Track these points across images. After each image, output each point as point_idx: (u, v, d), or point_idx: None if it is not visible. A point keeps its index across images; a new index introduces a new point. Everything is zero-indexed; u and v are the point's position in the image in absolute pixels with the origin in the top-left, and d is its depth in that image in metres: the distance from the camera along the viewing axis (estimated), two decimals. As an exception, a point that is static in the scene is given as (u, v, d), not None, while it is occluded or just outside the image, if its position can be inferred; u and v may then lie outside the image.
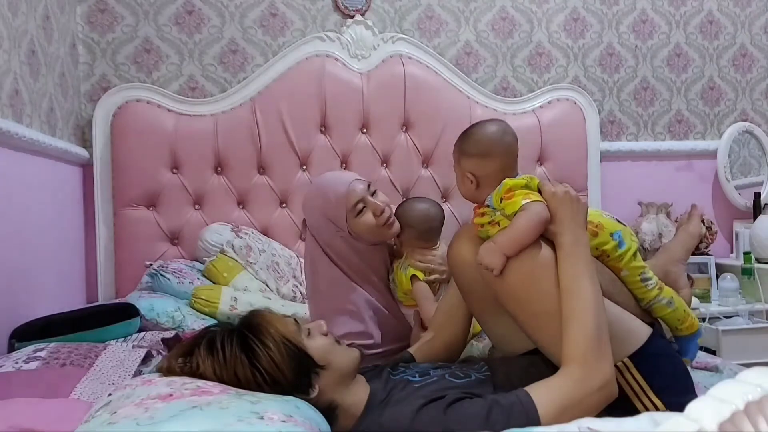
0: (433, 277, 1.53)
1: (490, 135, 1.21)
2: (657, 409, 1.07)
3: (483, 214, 1.18)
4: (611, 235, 1.22)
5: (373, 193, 1.50)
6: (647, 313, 1.26)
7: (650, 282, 1.24)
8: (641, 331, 1.14)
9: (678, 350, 1.29)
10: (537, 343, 1.13)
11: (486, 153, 1.19)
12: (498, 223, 1.13)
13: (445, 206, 2.48)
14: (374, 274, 1.54)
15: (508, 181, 1.14)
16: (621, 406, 1.04)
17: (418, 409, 0.98)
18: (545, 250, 1.09)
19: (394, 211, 1.53)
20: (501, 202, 1.13)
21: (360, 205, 1.46)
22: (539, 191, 1.13)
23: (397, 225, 1.51)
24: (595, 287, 1.06)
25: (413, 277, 1.50)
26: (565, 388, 0.99)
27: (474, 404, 0.99)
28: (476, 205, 1.22)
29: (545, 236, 1.10)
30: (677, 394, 1.10)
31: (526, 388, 1.00)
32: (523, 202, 1.09)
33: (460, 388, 1.06)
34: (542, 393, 0.98)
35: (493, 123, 1.24)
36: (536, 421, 0.95)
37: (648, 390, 1.08)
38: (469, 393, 1.03)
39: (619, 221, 1.29)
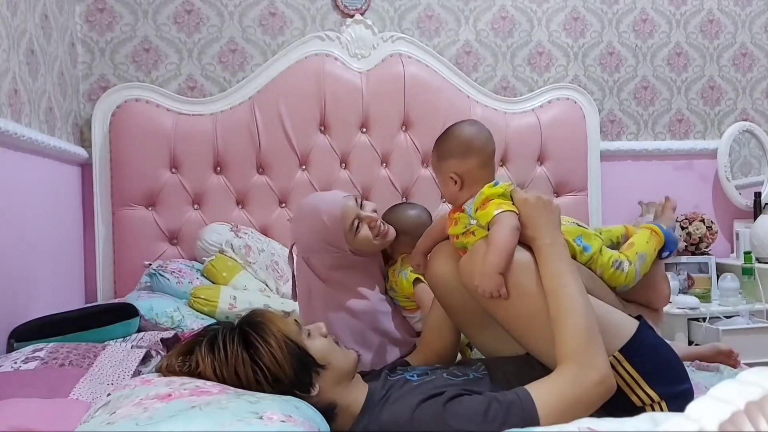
0: None
1: (466, 133, 1.23)
2: (651, 399, 1.08)
3: (456, 222, 1.20)
4: (573, 240, 1.26)
5: (361, 206, 1.50)
6: (630, 305, 1.29)
7: (623, 265, 1.27)
8: (629, 324, 1.15)
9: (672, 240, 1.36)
10: (527, 347, 1.14)
11: (465, 151, 1.20)
12: (473, 232, 1.15)
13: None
14: (378, 283, 1.54)
15: (485, 191, 1.16)
16: (616, 400, 1.05)
17: (417, 405, 0.99)
18: (523, 254, 1.10)
19: (382, 219, 1.53)
20: (477, 212, 1.15)
21: (356, 222, 1.45)
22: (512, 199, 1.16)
23: (392, 231, 1.52)
24: (579, 284, 1.08)
25: (416, 280, 1.51)
26: (564, 386, 0.99)
27: (473, 400, 0.99)
28: (450, 211, 1.24)
29: (523, 242, 1.12)
30: (671, 383, 1.11)
31: (526, 387, 1.00)
32: (495, 212, 1.11)
33: (458, 385, 1.07)
34: (541, 391, 0.99)
35: (465, 122, 1.27)
36: (534, 420, 0.95)
37: (641, 381, 1.08)
38: (467, 390, 1.03)
39: (579, 225, 1.33)
